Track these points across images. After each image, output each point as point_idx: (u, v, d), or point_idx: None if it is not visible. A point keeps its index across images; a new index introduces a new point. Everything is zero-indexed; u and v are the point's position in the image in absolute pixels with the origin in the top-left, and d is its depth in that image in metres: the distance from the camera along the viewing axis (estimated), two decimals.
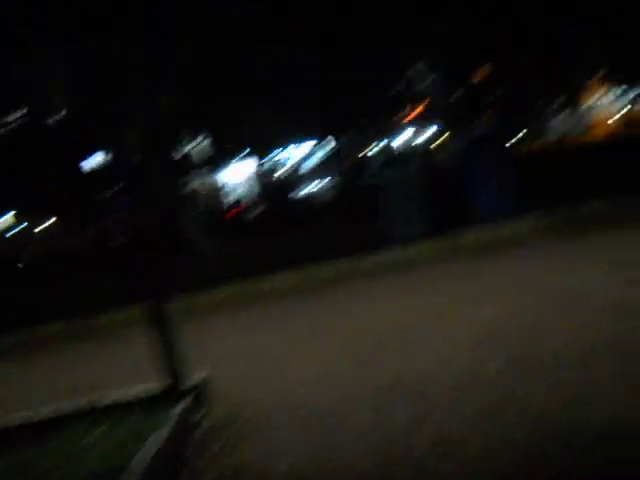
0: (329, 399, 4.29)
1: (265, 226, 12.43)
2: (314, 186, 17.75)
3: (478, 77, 16.78)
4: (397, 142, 17.84)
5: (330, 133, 17.82)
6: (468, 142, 10.35)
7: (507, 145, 11.36)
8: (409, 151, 14.08)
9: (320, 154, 19.16)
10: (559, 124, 17.20)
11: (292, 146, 19.40)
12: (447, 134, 18.55)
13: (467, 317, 5.73)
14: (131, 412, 4.28)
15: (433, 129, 20.59)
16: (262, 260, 10.36)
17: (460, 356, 4.63)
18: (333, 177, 18.08)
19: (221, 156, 18.83)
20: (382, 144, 17.01)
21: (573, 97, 18.25)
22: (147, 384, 4.65)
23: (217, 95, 12.28)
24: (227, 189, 21.66)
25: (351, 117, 16.38)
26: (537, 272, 7.18)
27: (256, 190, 18.94)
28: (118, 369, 6.52)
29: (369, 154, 17.52)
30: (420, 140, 19.46)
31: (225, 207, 19.96)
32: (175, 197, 15.14)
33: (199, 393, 4.64)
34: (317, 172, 17.81)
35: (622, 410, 3.24)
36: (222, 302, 9.93)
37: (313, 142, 19.29)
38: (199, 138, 16.97)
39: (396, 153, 15.43)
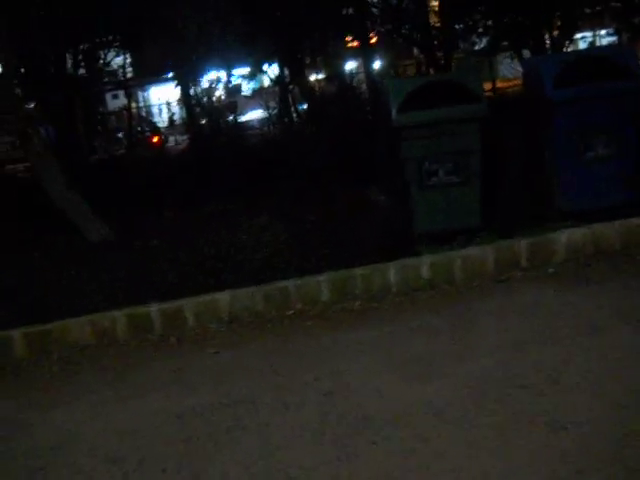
0: None
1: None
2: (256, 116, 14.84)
3: None
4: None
5: (274, 57, 14.69)
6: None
7: None
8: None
9: (259, 81, 16.35)
10: None
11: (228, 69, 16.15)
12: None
13: None
14: None
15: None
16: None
17: None
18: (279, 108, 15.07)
19: (141, 74, 15.74)
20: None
21: None
22: None
23: None
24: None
25: (301, 40, 13.43)
26: None
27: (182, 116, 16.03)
28: None
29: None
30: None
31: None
32: None
33: None
34: (260, 100, 14.71)
35: None
36: None
37: (249, 68, 15.95)
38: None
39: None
